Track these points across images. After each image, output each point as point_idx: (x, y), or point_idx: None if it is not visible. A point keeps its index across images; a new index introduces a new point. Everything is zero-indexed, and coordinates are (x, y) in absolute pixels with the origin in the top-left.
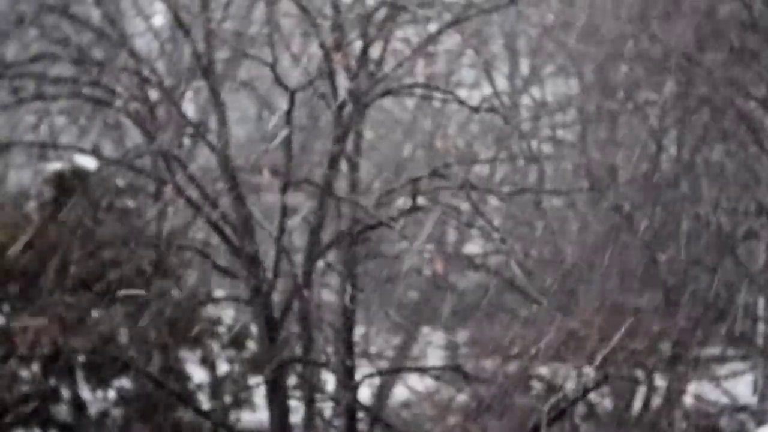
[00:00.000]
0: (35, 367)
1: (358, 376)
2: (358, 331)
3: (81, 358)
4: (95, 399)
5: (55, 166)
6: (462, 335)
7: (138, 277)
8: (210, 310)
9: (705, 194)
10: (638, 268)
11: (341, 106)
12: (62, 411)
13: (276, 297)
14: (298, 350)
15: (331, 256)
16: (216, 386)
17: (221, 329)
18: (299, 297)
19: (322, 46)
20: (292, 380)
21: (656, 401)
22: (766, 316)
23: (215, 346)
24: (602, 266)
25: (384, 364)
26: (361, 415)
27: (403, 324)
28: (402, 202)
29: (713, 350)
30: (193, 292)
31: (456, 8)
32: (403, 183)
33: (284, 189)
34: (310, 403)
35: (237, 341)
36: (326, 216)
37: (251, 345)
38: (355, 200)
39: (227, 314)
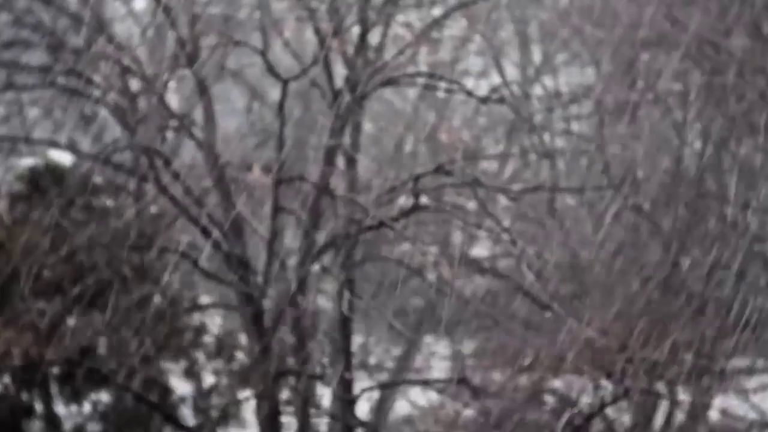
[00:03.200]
0: (6, 379)
1: (356, 390)
2: (356, 340)
3: (55, 370)
4: (70, 414)
5: (27, 161)
6: (469, 345)
7: (118, 283)
8: (195, 318)
9: (732, 192)
10: (660, 273)
11: (337, 97)
12: (35, 426)
13: (267, 304)
14: (292, 362)
15: (327, 259)
16: (202, 400)
17: (207, 338)
18: (292, 304)
19: (317, 31)
20: (284, 394)
21: (679, 417)
22: None
23: (201, 357)
24: (621, 270)
25: (384, 377)
26: (359, 431)
27: (405, 333)
28: (403, 200)
29: (741, 362)
30: (177, 298)
31: None
32: (405, 180)
33: (276, 187)
34: (304, 419)
35: (224, 351)
36: (322, 216)
37: (240, 356)
38: (352, 199)
39: (214, 322)
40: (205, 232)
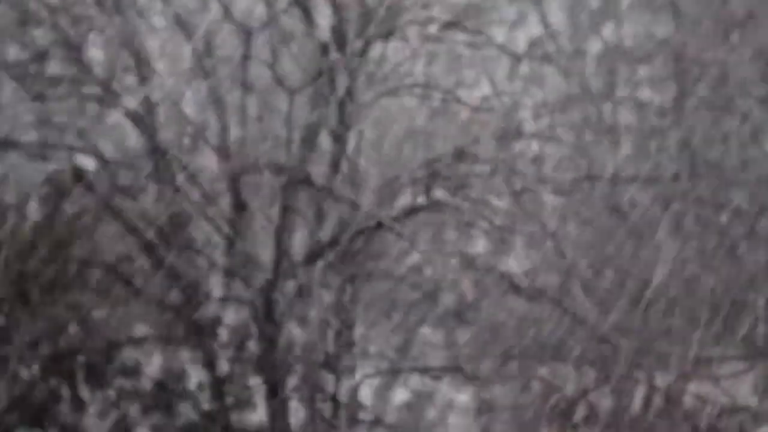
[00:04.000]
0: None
1: (358, 377)
2: (358, 331)
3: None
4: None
5: (54, 166)
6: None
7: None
8: (211, 310)
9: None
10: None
11: (341, 106)
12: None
13: (276, 297)
14: (298, 351)
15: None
16: (217, 387)
17: (221, 329)
18: (299, 297)
19: (323, 47)
20: (292, 380)
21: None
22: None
23: (215, 347)
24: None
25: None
26: (361, 415)
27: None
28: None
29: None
30: (196, 289)
31: (457, 8)
32: (414, 168)
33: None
34: (310, 403)
35: (237, 342)
36: (326, 216)
37: (251, 345)
38: (355, 200)
39: (227, 314)
40: (219, 231)
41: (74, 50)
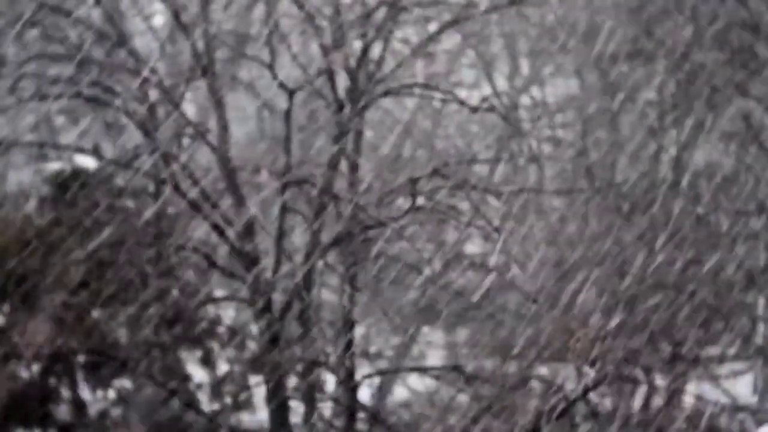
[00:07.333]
0: (35, 367)
1: (358, 376)
2: (358, 331)
3: (81, 359)
4: (95, 399)
5: (55, 166)
6: (462, 334)
7: (138, 277)
8: (210, 310)
9: (704, 194)
10: (637, 269)
11: (341, 106)
12: (62, 411)
13: (276, 297)
14: (298, 350)
15: (331, 256)
16: (217, 387)
17: (221, 329)
18: (299, 297)
19: (322, 46)
20: (292, 381)
21: (656, 401)
22: (766, 316)
23: (215, 346)
24: (602, 266)
25: (384, 364)
26: (361, 415)
27: (403, 324)
28: (402, 202)
29: (713, 350)
30: (192, 292)
31: (456, 8)
32: (403, 183)
33: (284, 189)
34: (310, 403)
35: (237, 341)
36: (326, 216)
37: (251, 345)
38: (354, 200)
39: (227, 314)
40: (219, 231)
41: (175, 103)
